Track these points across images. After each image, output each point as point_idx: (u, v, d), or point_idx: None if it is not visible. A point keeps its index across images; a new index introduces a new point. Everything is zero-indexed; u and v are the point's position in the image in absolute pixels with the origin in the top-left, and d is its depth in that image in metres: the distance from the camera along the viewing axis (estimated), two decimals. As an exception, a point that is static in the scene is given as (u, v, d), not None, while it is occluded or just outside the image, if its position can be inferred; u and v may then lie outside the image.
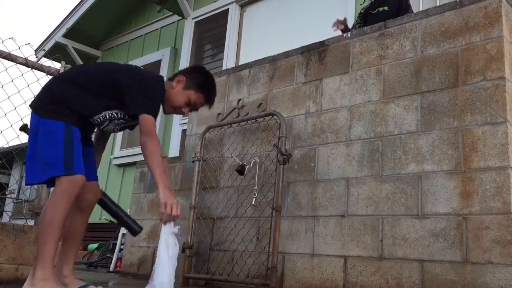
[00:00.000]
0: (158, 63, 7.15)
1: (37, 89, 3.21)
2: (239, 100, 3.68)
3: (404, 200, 2.71)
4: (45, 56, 8.06)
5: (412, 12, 3.83)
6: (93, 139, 2.60)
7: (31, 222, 3.33)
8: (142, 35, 8.10)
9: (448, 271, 2.47)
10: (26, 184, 2.37)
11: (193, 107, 2.56)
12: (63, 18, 8.38)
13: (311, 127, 3.26)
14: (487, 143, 2.49)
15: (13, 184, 13.27)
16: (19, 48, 3.25)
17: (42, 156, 2.23)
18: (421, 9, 4.09)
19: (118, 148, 7.34)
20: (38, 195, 3.29)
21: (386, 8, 3.90)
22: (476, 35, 2.68)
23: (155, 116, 2.34)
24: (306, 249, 3.03)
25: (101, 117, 2.39)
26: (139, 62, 7.50)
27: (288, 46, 3.64)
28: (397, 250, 2.66)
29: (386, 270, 2.67)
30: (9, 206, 10.93)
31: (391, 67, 2.98)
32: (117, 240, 5.29)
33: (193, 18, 6.92)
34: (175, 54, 7.10)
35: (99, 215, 7.09)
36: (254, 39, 6.20)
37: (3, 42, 3.21)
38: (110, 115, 2.40)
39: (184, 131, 5.81)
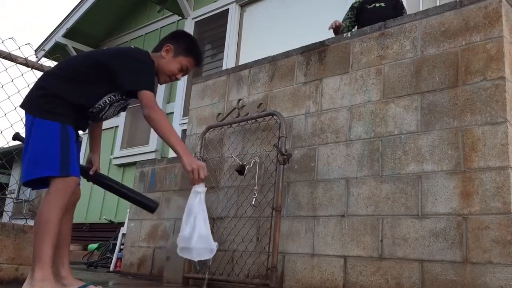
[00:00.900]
0: (158, 63, 7.14)
1: (37, 89, 3.20)
2: (239, 100, 3.68)
3: (404, 200, 2.71)
4: (45, 56, 8.07)
5: (405, 10, 3.84)
6: (87, 138, 2.62)
7: (31, 222, 3.33)
8: (142, 35, 8.11)
9: (448, 271, 2.47)
10: (22, 185, 2.38)
11: (185, 72, 2.63)
12: (63, 18, 8.39)
13: (311, 127, 3.26)
14: (487, 143, 2.49)
15: (13, 184, 13.26)
16: (19, 48, 3.25)
17: (37, 156, 2.22)
18: (421, 9, 4.09)
19: (118, 148, 7.35)
20: (38, 195, 3.29)
21: (382, 4, 3.90)
22: (476, 35, 2.68)
23: (152, 90, 2.35)
24: (306, 249, 3.03)
25: (101, 103, 2.40)
26: (139, 62, 7.49)
27: (288, 46, 3.64)
28: (397, 250, 2.66)
29: (386, 270, 2.67)
30: (9, 206, 10.93)
31: (391, 67, 2.98)
32: (117, 240, 5.29)
33: (193, 18, 6.92)
34: (175, 54, 7.09)
35: (99, 215, 7.11)
36: (254, 39, 6.20)
37: (3, 42, 3.21)
38: (110, 99, 2.42)
39: (184, 131, 5.81)
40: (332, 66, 3.28)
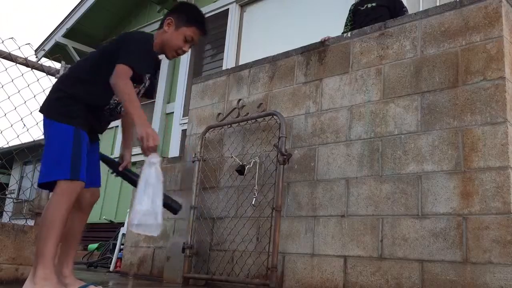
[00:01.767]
0: (158, 63, 7.15)
1: (37, 89, 3.21)
2: (239, 100, 3.68)
3: (404, 200, 2.71)
4: (45, 56, 8.06)
5: (406, 9, 3.83)
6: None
7: (31, 222, 3.33)
8: (142, 35, 8.10)
9: (448, 271, 2.47)
10: (38, 186, 2.41)
11: (191, 42, 2.56)
12: (63, 18, 8.38)
13: (311, 127, 3.26)
14: (487, 143, 2.49)
15: (13, 184, 13.26)
16: (19, 48, 3.25)
17: (50, 160, 2.27)
18: (421, 9, 4.09)
19: (118, 148, 7.35)
20: (38, 195, 3.29)
21: (374, 4, 3.89)
22: (476, 35, 2.68)
23: (132, 67, 2.26)
24: (306, 249, 3.03)
25: (116, 98, 2.39)
26: (139, 62, 7.49)
27: (288, 46, 3.64)
28: (397, 250, 2.66)
29: (386, 270, 2.67)
30: (9, 206, 10.93)
31: (391, 67, 2.98)
32: (117, 240, 5.29)
33: (193, 18, 6.91)
34: (175, 54, 7.09)
35: (99, 215, 7.11)
36: (254, 39, 6.20)
37: (3, 42, 3.21)
38: None
39: (184, 131, 5.81)
40: (332, 66, 3.28)
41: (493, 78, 2.56)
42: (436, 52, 2.81)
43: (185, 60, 6.74)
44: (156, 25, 7.86)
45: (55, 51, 7.72)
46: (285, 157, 3.14)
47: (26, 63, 3.30)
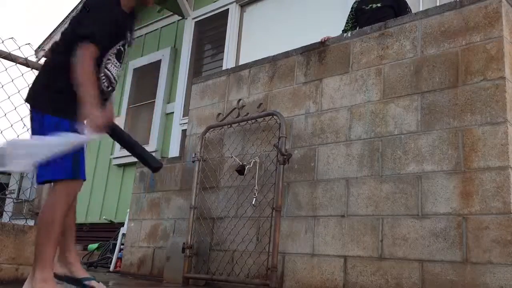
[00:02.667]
0: (158, 63, 7.14)
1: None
2: (239, 100, 3.68)
3: (404, 200, 2.71)
4: (45, 56, 8.06)
5: (410, 9, 3.82)
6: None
7: (31, 222, 3.33)
8: (142, 35, 8.10)
9: (448, 271, 2.47)
10: (37, 184, 2.38)
11: None
12: (63, 18, 8.39)
13: (311, 127, 3.26)
14: (487, 143, 2.49)
15: (13, 184, 13.25)
16: (19, 48, 3.25)
17: (50, 158, 2.20)
18: (421, 9, 4.08)
19: (118, 148, 7.34)
20: (38, 195, 3.29)
21: (379, 4, 3.89)
22: (476, 35, 2.68)
23: (98, 42, 2.18)
24: (306, 249, 3.03)
25: (103, 76, 2.33)
26: (139, 62, 7.50)
27: (288, 46, 3.64)
28: (397, 250, 2.66)
29: (386, 270, 2.67)
30: (9, 206, 10.93)
31: (391, 67, 2.98)
32: (117, 240, 5.29)
33: (193, 18, 6.91)
34: (175, 54, 7.09)
35: (99, 215, 7.11)
36: (254, 39, 6.19)
37: (3, 42, 3.21)
38: (106, 68, 2.33)
39: (184, 131, 5.81)
40: (332, 66, 3.28)
41: (493, 78, 2.56)
42: (436, 52, 2.81)
43: (185, 60, 6.74)
44: (156, 25, 7.90)
45: (55, 51, 7.71)
46: (285, 157, 3.14)
47: (26, 63, 3.29)
